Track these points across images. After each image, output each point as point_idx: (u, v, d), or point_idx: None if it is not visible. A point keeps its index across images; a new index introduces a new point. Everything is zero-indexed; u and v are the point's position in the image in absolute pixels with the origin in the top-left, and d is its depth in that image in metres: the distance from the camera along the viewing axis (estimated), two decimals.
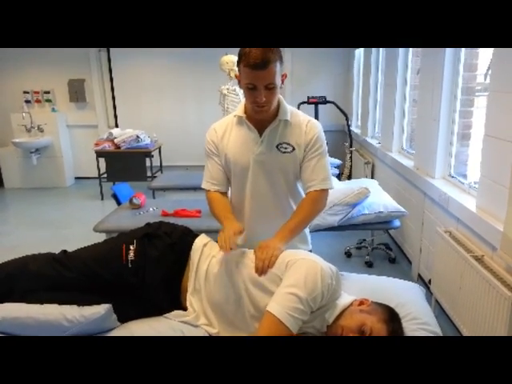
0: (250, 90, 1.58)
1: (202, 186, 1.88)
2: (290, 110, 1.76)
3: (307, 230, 1.94)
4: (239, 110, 1.77)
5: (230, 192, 1.90)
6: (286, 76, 1.67)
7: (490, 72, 2.28)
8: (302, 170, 1.76)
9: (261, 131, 1.72)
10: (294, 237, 1.71)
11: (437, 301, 2.69)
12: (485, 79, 2.48)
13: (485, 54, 2.66)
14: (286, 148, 1.72)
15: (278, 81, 1.59)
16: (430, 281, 2.87)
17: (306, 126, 1.74)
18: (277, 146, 1.72)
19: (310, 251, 1.89)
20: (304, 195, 1.80)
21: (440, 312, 2.67)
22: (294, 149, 1.72)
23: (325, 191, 1.75)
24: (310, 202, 1.74)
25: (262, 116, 1.68)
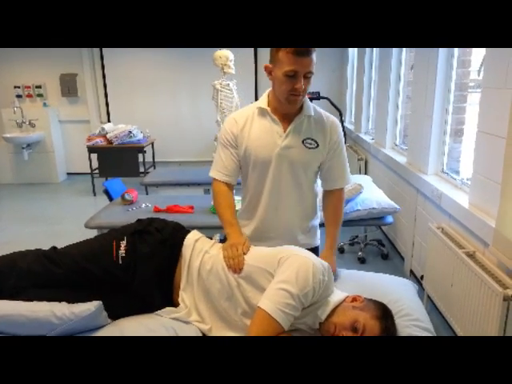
0: (290, 77, 1.57)
1: (211, 175, 1.82)
2: (313, 106, 1.78)
3: (317, 227, 1.94)
4: (262, 101, 1.75)
5: (243, 186, 1.87)
6: None
7: (483, 68, 2.28)
8: (326, 168, 1.80)
9: (284, 125, 1.72)
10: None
11: (429, 297, 2.70)
12: (478, 75, 2.48)
13: (478, 51, 2.66)
14: (311, 144, 1.73)
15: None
16: (422, 277, 2.88)
17: (330, 125, 1.77)
18: (302, 141, 1.72)
19: (317, 247, 1.91)
20: (317, 186, 1.87)
21: (432, 308, 2.68)
22: (318, 145, 1.73)
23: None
24: (340, 202, 1.86)
25: (294, 107, 1.68)
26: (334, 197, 1.85)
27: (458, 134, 2.95)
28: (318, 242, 1.94)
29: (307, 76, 1.58)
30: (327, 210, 1.86)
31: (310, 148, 1.72)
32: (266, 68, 1.67)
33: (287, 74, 1.56)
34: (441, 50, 2.82)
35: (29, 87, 6.54)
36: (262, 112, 1.74)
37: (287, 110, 1.70)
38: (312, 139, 1.73)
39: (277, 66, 1.59)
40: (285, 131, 1.71)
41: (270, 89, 1.73)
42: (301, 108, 1.72)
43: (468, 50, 2.80)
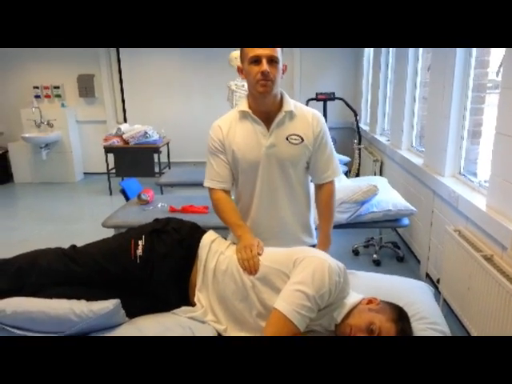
0: (255, 64, 1.61)
1: (206, 185, 1.86)
2: (293, 102, 1.79)
3: (312, 224, 1.96)
4: (243, 105, 1.78)
5: (235, 190, 1.89)
6: (286, 67, 1.71)
7: (502, 69, 2.25)
8: (314, 162, 1.82)
9: (267, 124, 1.74)
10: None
11: (445, 300, 2.67)
12: (497, 76, 2.44)
13: (497, 51, 2.63)
14: (295, 139, 1.75)
15: (280, 59, 1.64)
16: (438, 280, 2.85)
17: (312, 118, 1.79)
18: (287, 138, 1.74)
19: (315, 245, 1.90)
20: (310, 181, 1.89)
21: (448, 312, 2.65)
22: (302, 140, 1.75)
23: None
24: (331, 196, 1.86)
25: (268, 97, 1.68)
26: (323, 191, 1.86)
27: (475, 135, 2.91)
28: (315, 240, 1.96)
29: (272, 61, 1.61)
30: (319, 206, 1.89)
31: (294, 144, 1.74)
32: (238, 69, 1.72)
33: (251, 61, 1.61)
34: (458, 50, 2.79)
35: (47, 88, 6.65)
36: (243, 115, 1.77)
37: (265, 105, 1.72)
38: (296, 135, 1.75)
39: (244, 61, 1.65)
40: (268, 130, 1.73)
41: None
42: (280, 105, 1.74)
43: (486, 50, 2.76)
